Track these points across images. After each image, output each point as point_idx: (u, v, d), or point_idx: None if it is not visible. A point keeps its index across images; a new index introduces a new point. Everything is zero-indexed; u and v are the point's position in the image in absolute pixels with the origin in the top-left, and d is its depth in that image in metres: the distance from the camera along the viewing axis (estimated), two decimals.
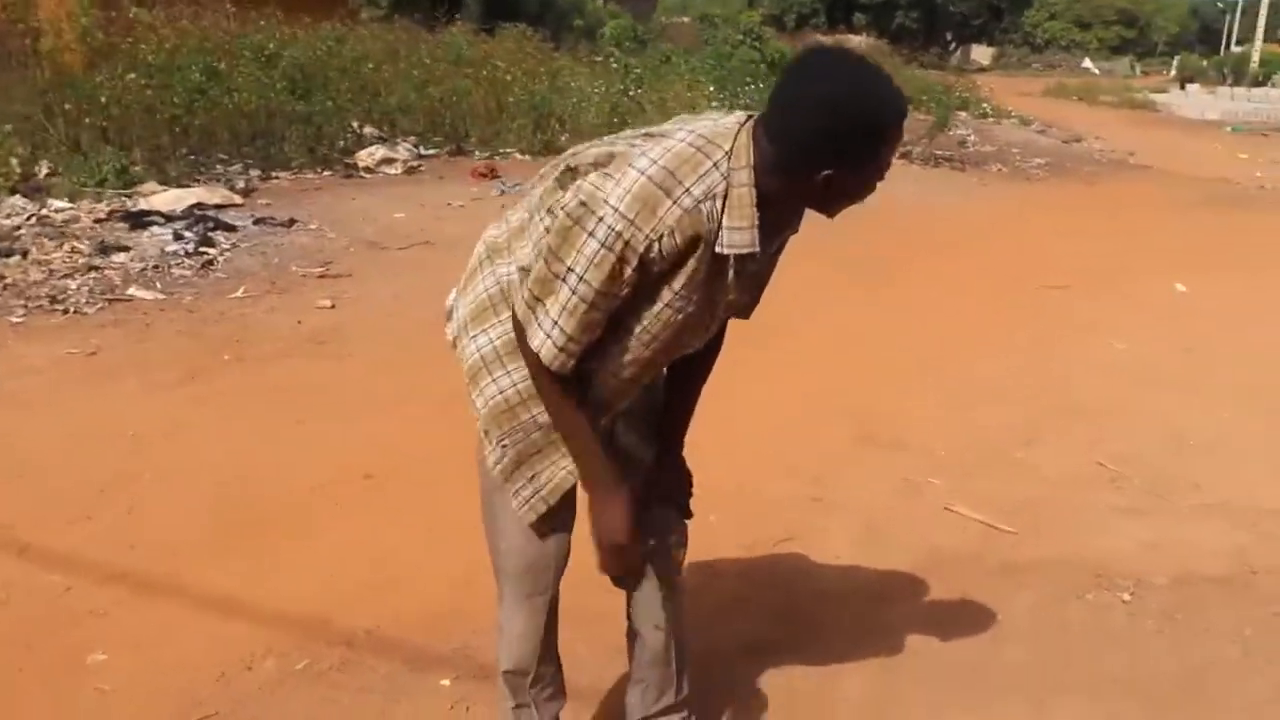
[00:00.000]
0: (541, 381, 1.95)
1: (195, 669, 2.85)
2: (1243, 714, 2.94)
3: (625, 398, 2.07)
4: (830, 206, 1.92)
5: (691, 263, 1.85)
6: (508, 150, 12.11)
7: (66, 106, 9.15)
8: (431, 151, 11.68)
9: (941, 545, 3.82)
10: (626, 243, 1.78)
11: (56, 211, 7.41)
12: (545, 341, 1.88)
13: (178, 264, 6.55)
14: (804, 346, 5.96)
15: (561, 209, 1.85)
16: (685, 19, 31.71)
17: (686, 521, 2.42)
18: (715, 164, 1.82)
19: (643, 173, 1.80)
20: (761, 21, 25.12)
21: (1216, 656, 3.20)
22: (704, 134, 1.86)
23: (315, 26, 12.74)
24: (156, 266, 6.46)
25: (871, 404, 5.18)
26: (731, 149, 1.84)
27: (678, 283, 1.87)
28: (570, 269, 1.81)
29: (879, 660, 3.08)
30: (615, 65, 14.78)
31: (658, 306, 1.90)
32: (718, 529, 3.73)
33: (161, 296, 6.04)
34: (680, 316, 1.92)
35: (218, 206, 8.05)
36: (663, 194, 1.78)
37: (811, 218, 2.04)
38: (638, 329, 1.93)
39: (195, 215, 7.54)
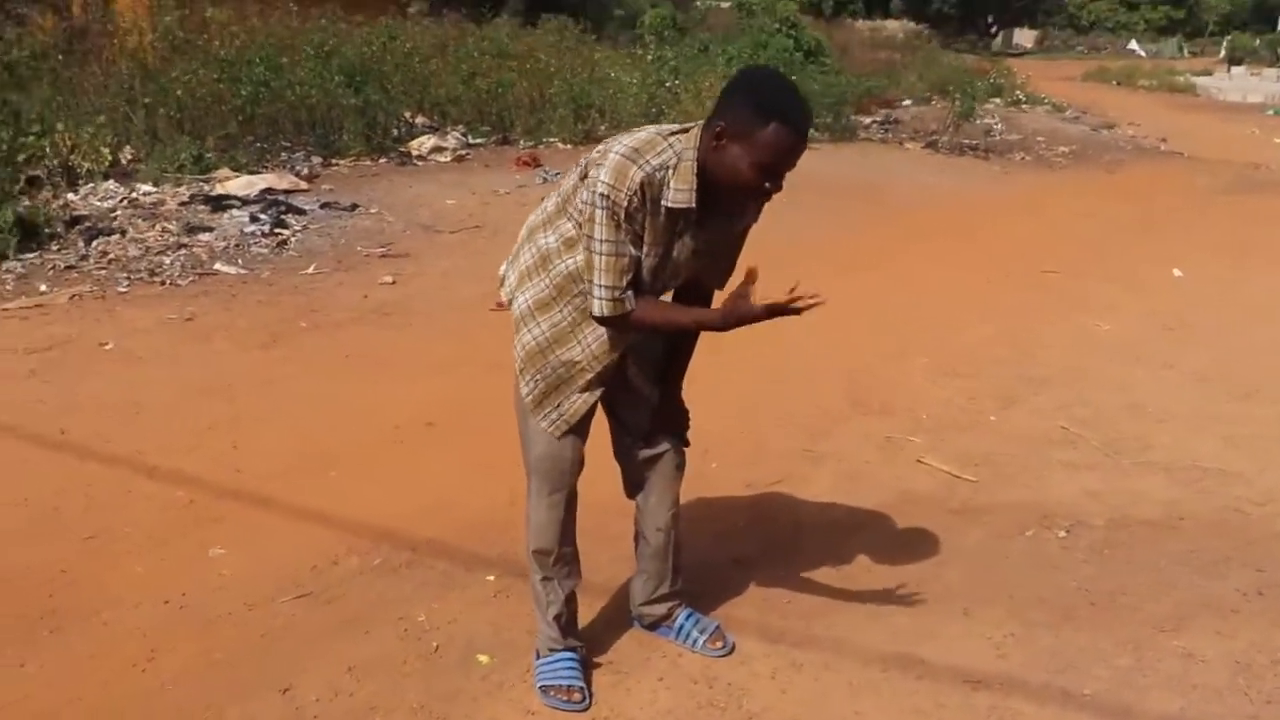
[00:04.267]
0: (632, 322, 2.67)
1: (294, 562, 3.61)
2: (1140, 626, 3.48)
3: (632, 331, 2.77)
4: (729, 179, 2.53)
5: (651, 218, 2.58)
6: (550, 139, 12.77)
7: (146, 100, 9.96)
8: (479, 140, 12.38)
9: (910, 490, 4.45)
10: (614, 202, 2.52)
11: (144, 195, 8.24)
12: (601, 301, 2.62)
13: (255, 243, 7.35)
14: (811, 318, 6.55)
15: (584, 203, 2.58)
16: (725, 4, 32.15)
17: (685, 449, 3.15)
18: (669, 145, 2.58)
19: (619, 154, 2.55)
20: (799, 9, 25.34)
21: (1130, 583, 3.74)
22: (666, 129, 2.64)
23: (370, 23, 13.51)
24: (238, 245, 7.26)
25: (867, 372, 5.81)
26: (686, 136, 2.60)
27: (648, 235, 2.62)
28: (595, 239, 2.56)
29: (840, 573, 3.73)
30: (650, 57, 15.38)
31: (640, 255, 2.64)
32: (720, 472, 4.48)
33: (243, 272, 6.83)
34: (653, 261, 2.65)
35: (286, 191, 8.82)
36: (631, 164, 2.53)
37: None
38: None
39: (268, 199, 8.33)
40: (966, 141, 15.15)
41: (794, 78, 11.59)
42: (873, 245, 9.00)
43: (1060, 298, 7.61)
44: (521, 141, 12.54)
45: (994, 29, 59.71)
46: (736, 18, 24.88)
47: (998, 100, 21.35)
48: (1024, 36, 62.25)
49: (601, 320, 2.67)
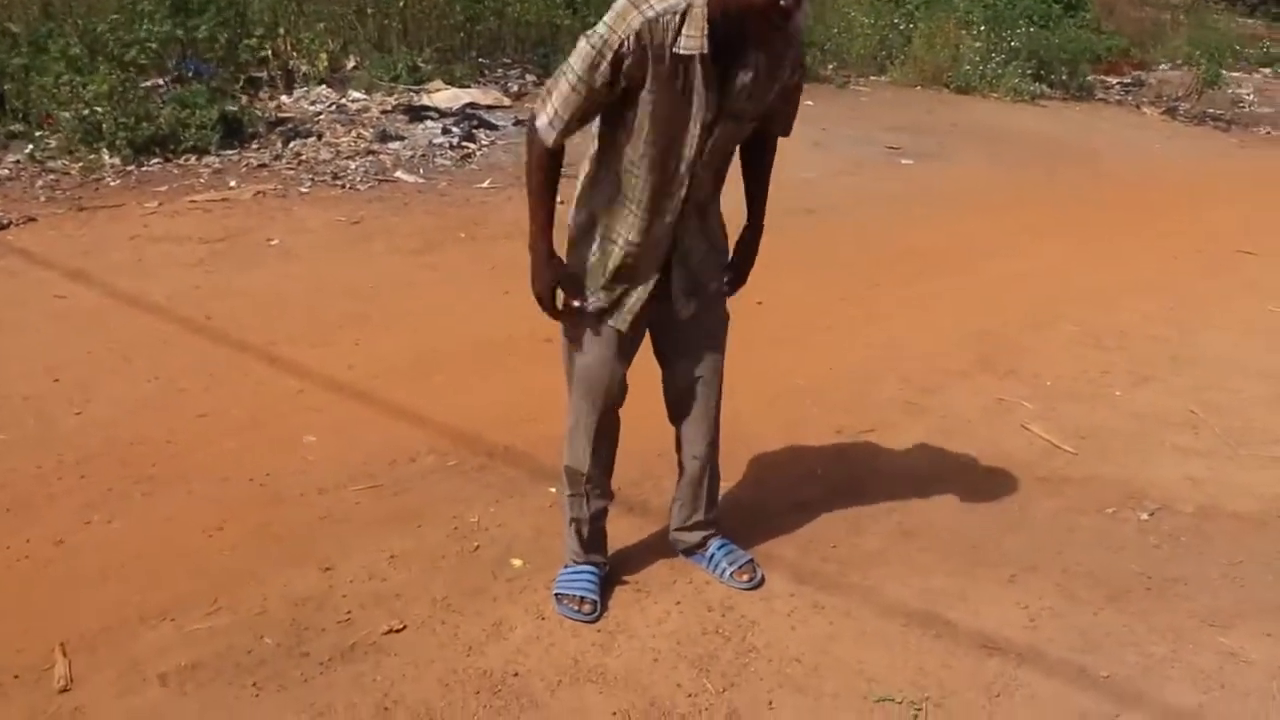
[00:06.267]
0: (532, 153, 2.74)
1: (375, 455, 3.95)
2: (1188, 617, 3.33)
3: (664, 197, 2.80)
4: (745, 4, 2.51)
5: (656, 66, 2.59)
6: None
7: (370, 11, 10.51)
8: None
9: (1002, 453, 4.38)
10: (605, 41, 2.56)
11: (353, 101, 8.78)
12: (542, 118, 2.69)
13: (441, 155, 7.76)
14: (973, 283, 6.53)
15: (583, 34, 2.66)
16: None
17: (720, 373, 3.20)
18: None
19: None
20: None
21: (1196, 573, 3.58)
22: None
23: None
24: (423, 155, 7.69)
25: (1005, 337, 5.68)
26: None
27: (649, 83, 2.63)
28: (571, 65, 2.62)
29: (898, 527, 3.76)
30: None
31: (640, 105, 2.65)
32: (816, 416, 4.57)
33: (421, 181, 7.25)
34: (656, 109, 2.65)
35: (488, 107, 9.20)
36: (632, 7, 2.56)
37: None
38: (635, 125, 2.69)
39: (465, 113, 8.72)
40: (1210, 111, 14.29)
41: (1043, 30, 11.11)
42: (1063, 210, 8.67)
43: (1245, 280, 7.16)
44: None
45: None
46: None
47: (1267, 70, 19.87)
48: None
49: (530, 133, 2.73)
